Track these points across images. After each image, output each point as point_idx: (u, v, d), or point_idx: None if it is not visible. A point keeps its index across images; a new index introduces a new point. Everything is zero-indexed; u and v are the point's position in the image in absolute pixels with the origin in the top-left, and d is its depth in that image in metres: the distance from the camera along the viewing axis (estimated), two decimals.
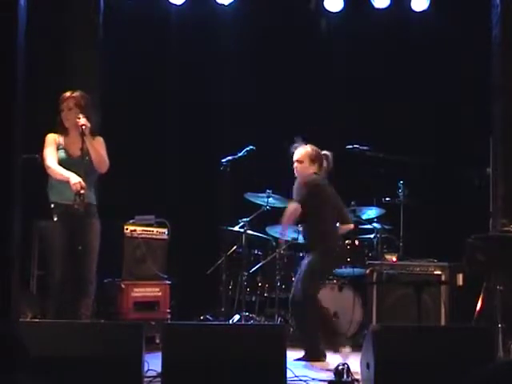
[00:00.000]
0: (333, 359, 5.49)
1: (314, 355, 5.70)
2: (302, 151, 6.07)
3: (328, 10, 7.38)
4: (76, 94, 5.34)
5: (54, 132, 5.37)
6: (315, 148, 6.06)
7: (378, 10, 7.24)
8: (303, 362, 5.60)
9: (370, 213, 6.57)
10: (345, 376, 4.64)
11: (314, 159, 6.03)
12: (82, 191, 5.01)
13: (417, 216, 6.80)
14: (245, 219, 6.85)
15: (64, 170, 5.18)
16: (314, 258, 5.90)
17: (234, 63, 7.57)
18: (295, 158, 6.07)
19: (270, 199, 6.94)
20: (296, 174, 6.05)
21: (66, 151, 5.32)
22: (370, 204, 6.87)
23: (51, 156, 5.26)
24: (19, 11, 4.24)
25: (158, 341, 6.05)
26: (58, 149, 5.31)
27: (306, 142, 6.07)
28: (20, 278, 4.40)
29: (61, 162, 5.25)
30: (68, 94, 5.34)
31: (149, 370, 4.53)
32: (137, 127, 7.30)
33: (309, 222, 6.00)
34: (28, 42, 4.38)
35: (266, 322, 6.73)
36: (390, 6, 7.22)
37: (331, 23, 7.56)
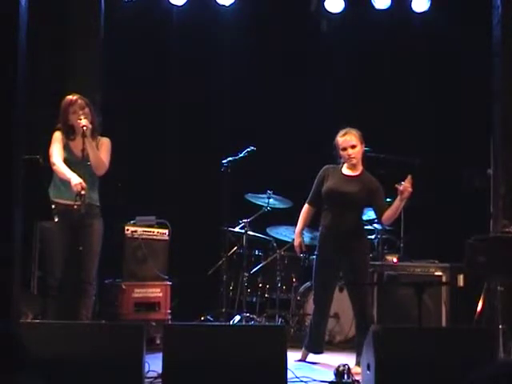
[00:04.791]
0: (333, 360, 5.48)
1: None
2: (353, 134, 5.48)
3: (329, 11, 7.38)
4: (78, 96, 5.36)
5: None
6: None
7: (379, 10, 7.24)
8: (304, 363, 5.59)
9: (371, 214, 6.55)
10: (345, 377, 4.64)
11: (363, 140, 5.53)
12: (82, 192, 5.03)
13: (417, 217, 6.80)
14: (245, 220, 6.85)
15: (67, 170, 5.20)
16: (366, 249, 5.69)
17: (235, 64, 7.56)
18: (349, 143, 5.46)
19: (271, 200, 6.94)
20: (352, 163, 5.49)
21: (70, 152, 5.34)
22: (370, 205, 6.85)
23: (57, 153, 5.29)
24: (20, 11, 4.23)
25: (158, 341, 6.04)
26: (63, 148, 5.34)
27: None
28: (20, 278, 4.40)
29: (64, 162, 5.28)
30: (71, 97, 5.36)
31: (149, 370, 4.54)
32: (137, 127, 7.30)
33: (360, 213, 5.67)
34: (28, 41, 4.38)
35: (267, 323, 6.72)
36: (390, 6, 7.22)
37: (332, 24, 7.55)
